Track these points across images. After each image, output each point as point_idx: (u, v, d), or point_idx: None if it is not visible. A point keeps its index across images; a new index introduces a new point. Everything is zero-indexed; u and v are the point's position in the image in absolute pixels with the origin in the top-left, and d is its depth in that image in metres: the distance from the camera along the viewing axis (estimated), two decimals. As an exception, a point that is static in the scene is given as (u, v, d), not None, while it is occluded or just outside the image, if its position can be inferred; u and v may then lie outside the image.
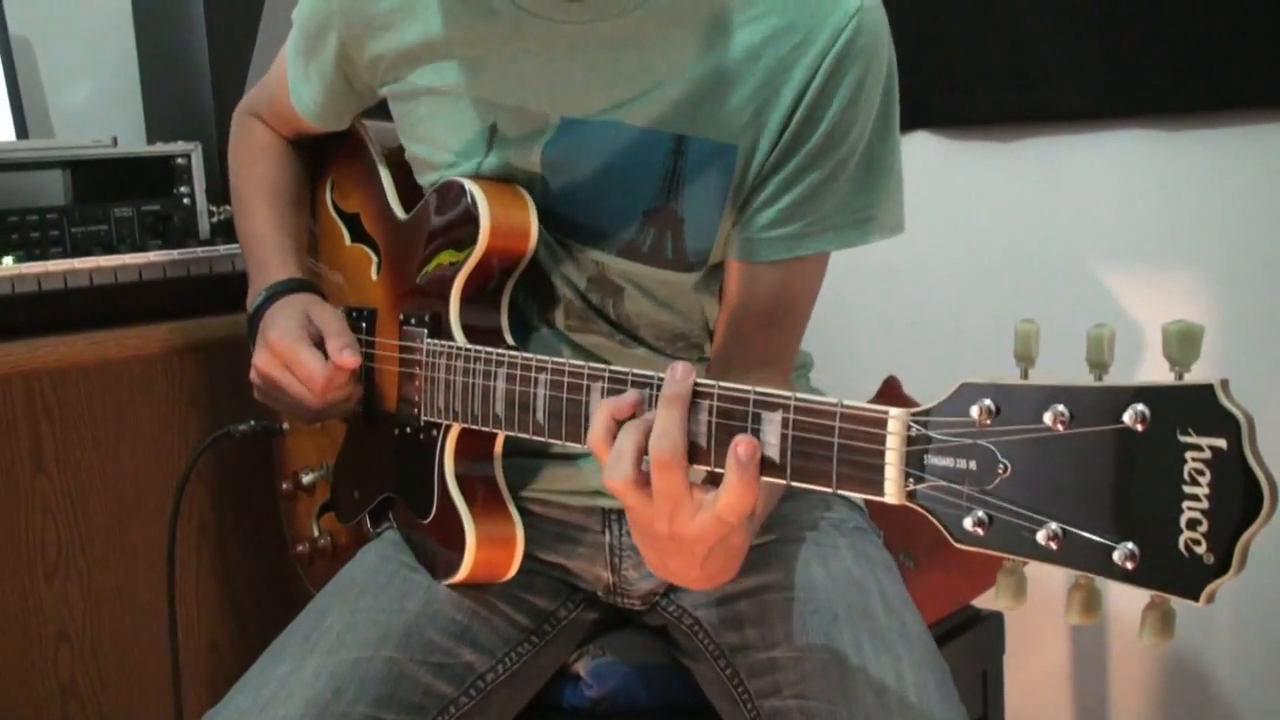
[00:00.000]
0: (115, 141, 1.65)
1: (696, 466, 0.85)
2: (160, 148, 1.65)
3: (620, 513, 1.20)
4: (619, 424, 0.86)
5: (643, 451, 0.83)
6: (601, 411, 0.86)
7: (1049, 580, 1.87)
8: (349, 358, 1.13)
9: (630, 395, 0.87)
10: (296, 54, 1.25)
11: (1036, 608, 1.88)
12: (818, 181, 1.06)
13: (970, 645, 1.48)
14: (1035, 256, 1.88)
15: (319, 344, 1.15)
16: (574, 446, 1.18)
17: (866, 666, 1.04)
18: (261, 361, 1.18)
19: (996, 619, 1.54)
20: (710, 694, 1.16)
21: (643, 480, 0.83)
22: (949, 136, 1.95)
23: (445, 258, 1.13)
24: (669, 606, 1.22)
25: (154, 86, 2.00)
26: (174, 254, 1.57)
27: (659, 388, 0.86)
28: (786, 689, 1.05)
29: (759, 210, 1.08)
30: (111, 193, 1.62)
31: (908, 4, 1.68)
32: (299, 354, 1.14)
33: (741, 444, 0.79)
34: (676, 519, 0.83)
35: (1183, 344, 0.63)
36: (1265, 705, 1.73)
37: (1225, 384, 0.61)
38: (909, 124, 1.90)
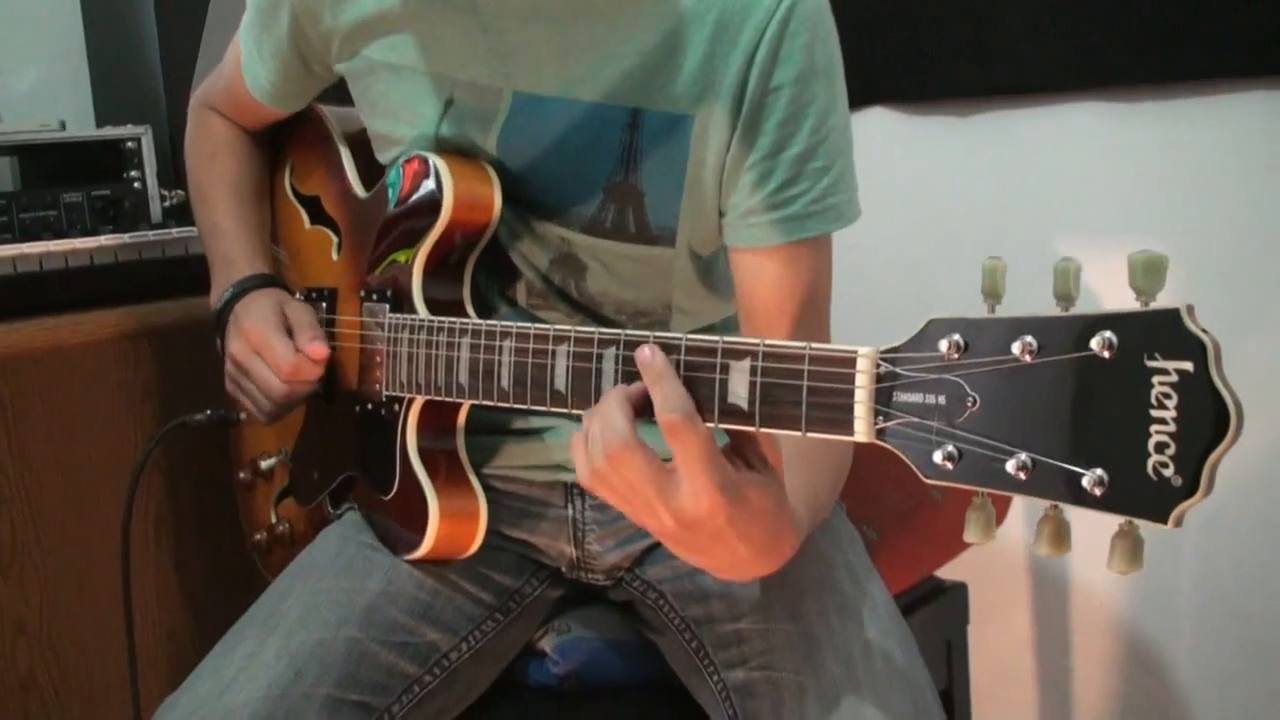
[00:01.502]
0: (63, 126, 1.63)
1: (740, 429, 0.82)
2: (110, 131, 1.63)
3: (582, 487, 1.19)
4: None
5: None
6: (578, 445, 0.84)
7: (1011, 552, 1.90)
8: (319, 347, 1.15)
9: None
10: (250, 34, 1.24)
11: (999, 578, 1.91)
12: (802, 156, 1.05)
13: (934, 616, 1.49)
14: (995, 230, 1.90)
15: (290, 336, 1.17)
16: (536, 417, 1.18)
17: (833, 637, 1.04)
18: (235, 348, 1.20)
19: (960, 590, 1.55)
20: (676, 667, 1.16)
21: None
22: (907, 112, 1.96)
23: (407, 236, 1.12)
24: (634, 581, 1.21)
25: (102, 70, 1.97)
26: (125, 238, 1.56)
27: (626, 344, 0.86)
28: (753, 660, 1.05)
29: (751, 194, 1.06)
30: (61, 178, 1.60)
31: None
32: (271, 340, 1.15)
33: (641, 350, 0.81)
34: (673, 499, 0.80)
35: (1148, 273, 0.64)
36: (1223, 672, 1.76)
37: (1191, 309, 0.62)
38: (866, 100, 1.92)
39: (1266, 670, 1.71)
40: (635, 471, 0.80)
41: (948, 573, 1.53)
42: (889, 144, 1.96)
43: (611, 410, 0.81)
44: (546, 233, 1.13)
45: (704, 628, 1.11)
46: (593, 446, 0.82)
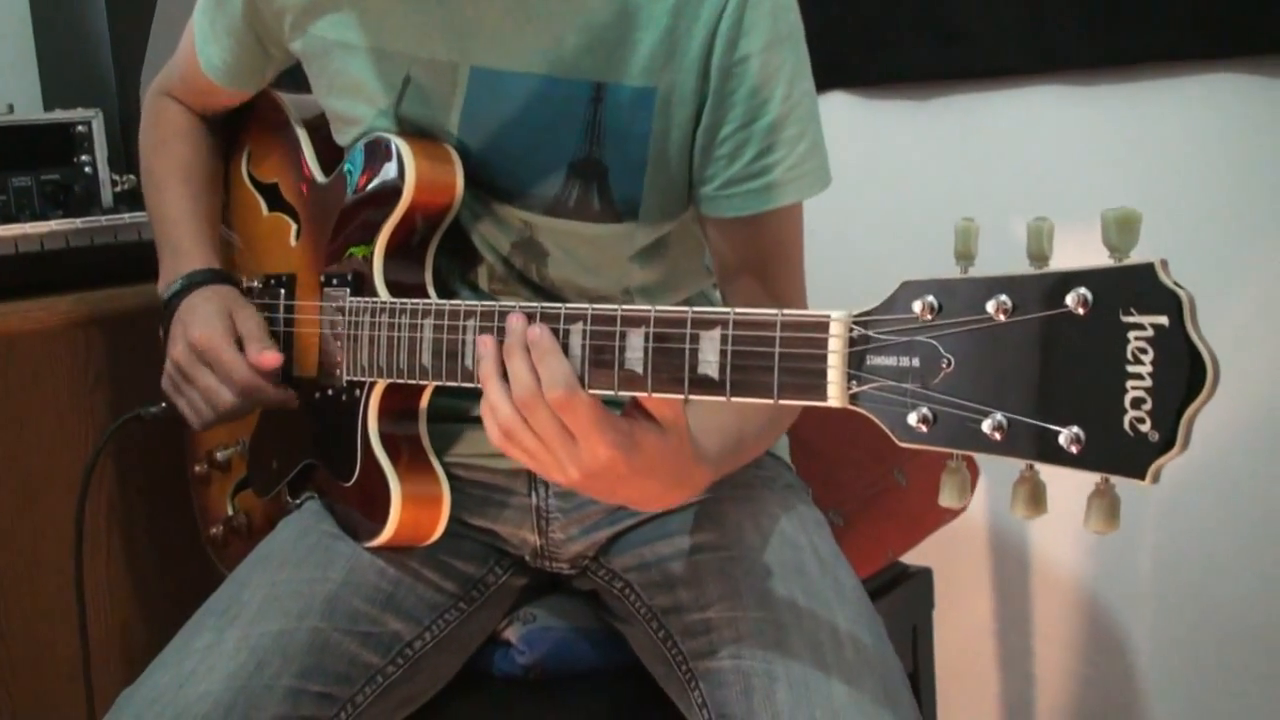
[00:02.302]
0: (11, 109, 1.60)
1: (633, 394, 0.84)
2: (59, 115, 1.60)
3: None
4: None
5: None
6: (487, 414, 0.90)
7: (974, 536, 1.91)
8: (270, 356, 1.14)
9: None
10: (204, 14, 1.22)
11: (962, 563, 1.91)
12: (777, 123, 1.05)
13: (900, 601, 1.49)
14: (955, 214, 1.87)
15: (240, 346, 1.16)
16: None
17: (802, 623, 1.03)
18: (179, 354, 1.17)
19: (925, 575, 1.55)
20: (643, 657, 1.15)
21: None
22: (866, 96, 1.96)
23: (368, 219, 1.11)
24: (599, 570, 1.20)
25: (50, 52, 1.94)
26: (77, 223, 1.53)
27: (594, 319, 0.86)
28: (721, 649, 1.04)
29: (729, 166, 1.06)
30: (9, 162, 1.57)
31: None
32: (222, 353, 1.14)
33: (530, 330, 0.87)
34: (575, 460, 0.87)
35: (1121, 230, 0.64)
36: (1183, 654, 1.77)
37: (1165, 264, 0.62)
38: (826, 84, 1.90)
39: (1226, 652, 1.72)
40: (546, 426, 0.86)
41: (912, 558, 1.53)
42: (849, 129, 1.96)
43: (548, 356, 0.86)
44: (508, 216, 1.12)
45: (671, 617, 1.10)
46: (505, 403, 0.88)
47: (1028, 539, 1.89)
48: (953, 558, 1.78)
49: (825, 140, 1.10)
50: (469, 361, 0.97)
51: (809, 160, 1.07)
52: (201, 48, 1.23)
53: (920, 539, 1.50)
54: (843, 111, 1.96)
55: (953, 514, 1.54)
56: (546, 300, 1.15)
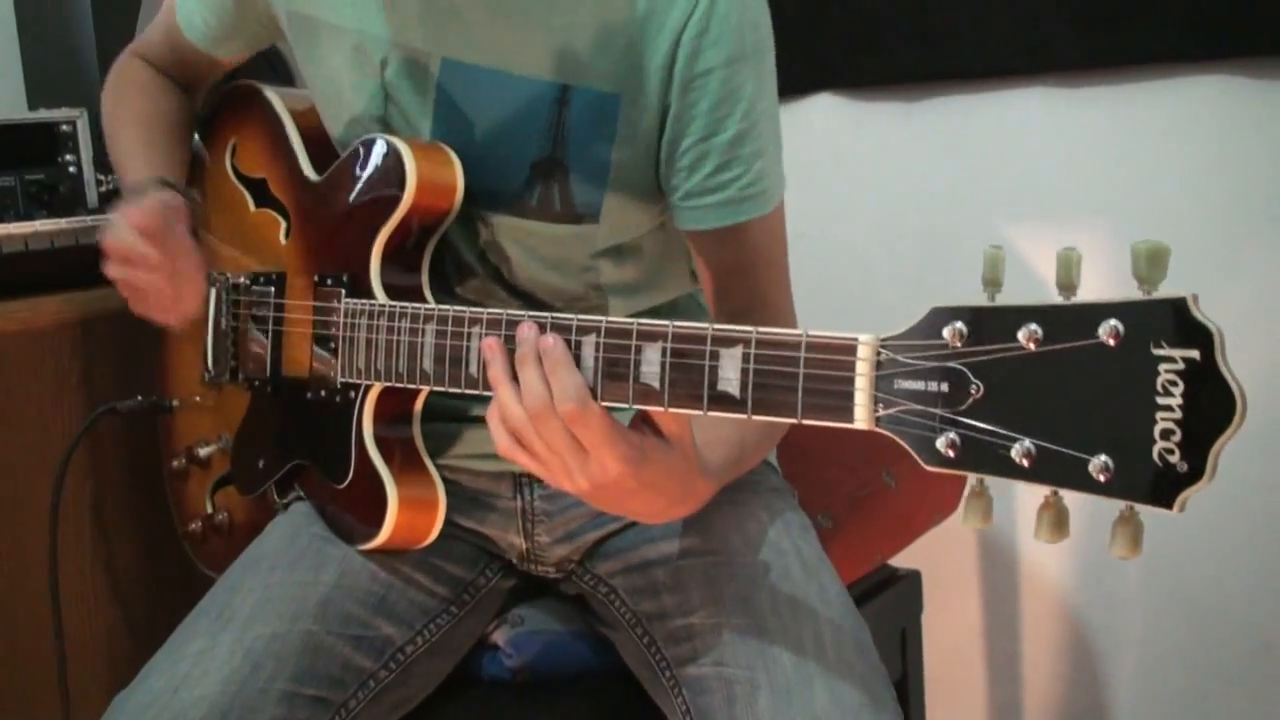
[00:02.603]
0: (-6, 108, 1.58)
1: (649, 409, 0.85)
2: (43, 114, 1.59)
3: (531, 477, 1.19)
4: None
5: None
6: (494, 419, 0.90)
7: (962, 539, 1.92)
8: (133, 213, 1.12)
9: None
10: None
11: (950, 565, 1.93)
12: (735, 140, 1.05)
13: (889, 605, 1.50)
14: (942, 217, 1.91)
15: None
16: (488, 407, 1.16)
17: (785, 630, 1.04)
18: (109, 269, 1.15)
19: (914, 578, 1.56)
20: (630, 662, 1.15)
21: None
22: (853, 98, 1.95)
23: (366, 220, 1.10)
24: (585, 575, 1.20)
25: (34, 50, 1.91)
26: (62, 223, 1.51)
27: (608, 332, 0.86)
28: (704, 656, 1.04)
29: (688, 178, 1.07)
30: (-8, 161, 1.55)
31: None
32: (122, 235, 1.12)
33: (542, 340, 0.86)
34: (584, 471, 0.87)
35: (1151, 263, 0.65)
36: (1169, 657, 1.80)
37: (1196, 298, 0.63)
38: (814, 86, 1.91)
39: (1211, 655, 1.75)
40: (557, 437, 0.85)
41: (900, 560, 1.54)
42: (837, 130, 1.96)
43: (560, 368, 0.85)
44: (471, 217, 1.12)
45: (655, 623, 1.11)
46: (516, 410, 0.87)
47: (1016, 541, 1.91)
48: (940, 560, 1.80)
49: (782, 154, 1.11)
50: (474, 369, 0.96)
51: (764, 179, 1.08)
52: (181, 7, 1.22)
53: (909, 542, 1.51)
54: (831, 113, 1.96)
55: (942, 516, 1.56)
56: (522, 302, 1.15)
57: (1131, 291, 0.64)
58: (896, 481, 1.50)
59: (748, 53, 1.04)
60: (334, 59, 1.12)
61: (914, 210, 1.93)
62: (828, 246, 1.96)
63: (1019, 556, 1.91)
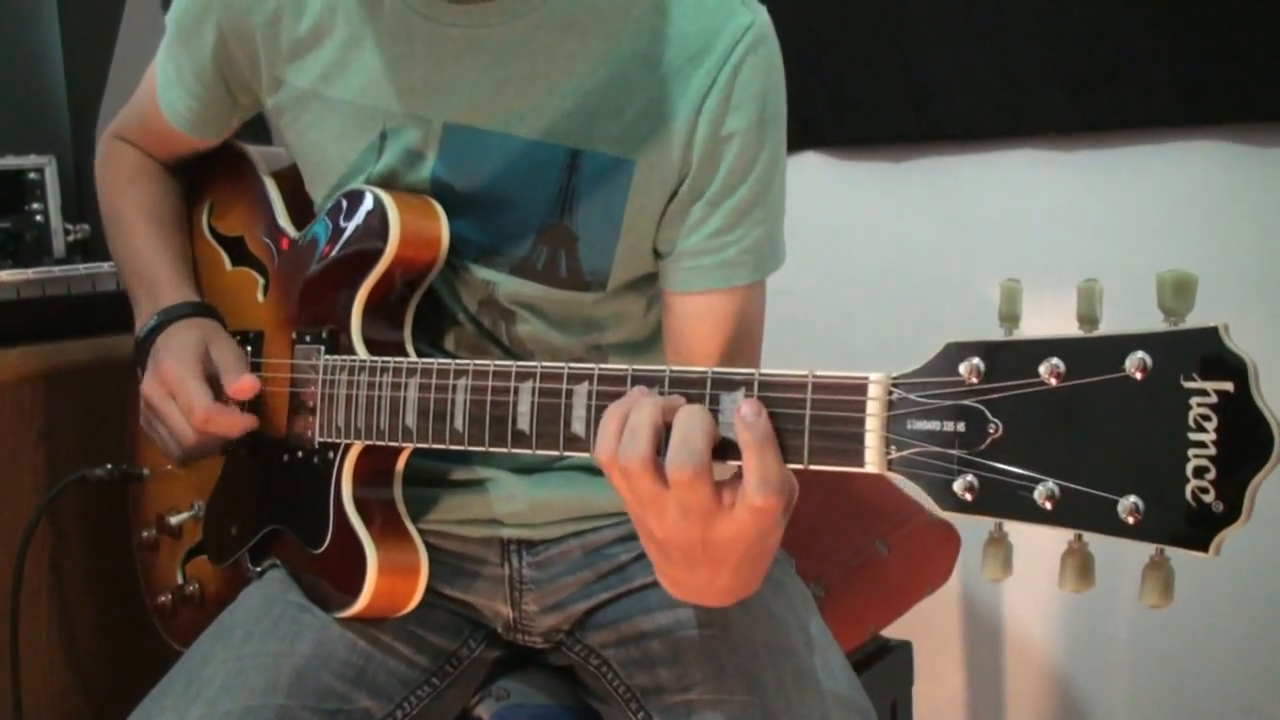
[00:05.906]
0: (-41, 155, 1.56)
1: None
2: (10, 161, 1.55)
3: (520, 543, 1.15)
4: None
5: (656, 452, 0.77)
6: (613, 420, 0.79)
7: (948, 609, 1.88)
8: (247, 381, 1.09)
9: (636, 391, 0.80)
10: (169, 55, 1.18)
11: (936, 635, 1.89)
12: (744, 205, 1.03)
13: (881, 676, 1.47)
14: (927, 276, 1.90)
15: (215, 380, 1.10)
16: (477, 467, 1.12)
17: (790, 708, 0.99)
18: (148, 387, 1.12)
19: (905, 649, 1.53)
20: (622, 738, 1.10)
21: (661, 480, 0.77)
22: (840, 157, 1.96)
23: (346, 274, 1.07)
24: (574, 645, 1.15)
25: (2, 96, 1.86)
26: (28, 273, 1.47)
27: (601, 379, 0.82)
28: None
29: (686, 237, 1.04)
30: (-43, 209, 1.53)
31: (798, 22, 1.70)
32: (186, 384, 1.08)
33: (744, 405, 0.74)
34: (713, 526, 0.77)
35: (1177, 292, 0.62)
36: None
37: (1227, 328, 0.60)
38: (799, 144, 1.92)
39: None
40: (697, 496, 0.76)
41: (893, 631, 1.51)
42: (822, 189, 1.96)
43: (695, 431, 0.75)
44: (472, 277, 1.08)
45: (651, 698, 1.06)
46: (636, 443, 0.76)
47: (1001, 610, 1.89)
48: (926, 630, 1.78)
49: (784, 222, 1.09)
50: (458, 423, 0.93)
51: (765, 245, 1.05)
52: (164, 92, 1.19)
53: (903, 611, 1.48)
54: (816, 172, 1.97)
55: (934, 585, 1.52)
56: (514, 358, 1.12)
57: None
58: (890, 549, 1.47)
59: (769, 119, 1.03)
60: (325, 127, 1.10)
61: (899, 269, 1.93)
62: (811, 303, 1.95)
63: (1005, 626, 1.89)
